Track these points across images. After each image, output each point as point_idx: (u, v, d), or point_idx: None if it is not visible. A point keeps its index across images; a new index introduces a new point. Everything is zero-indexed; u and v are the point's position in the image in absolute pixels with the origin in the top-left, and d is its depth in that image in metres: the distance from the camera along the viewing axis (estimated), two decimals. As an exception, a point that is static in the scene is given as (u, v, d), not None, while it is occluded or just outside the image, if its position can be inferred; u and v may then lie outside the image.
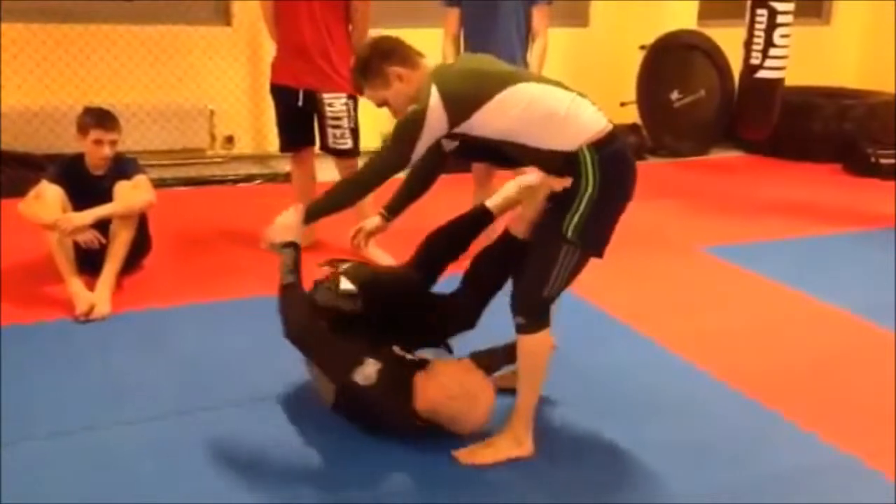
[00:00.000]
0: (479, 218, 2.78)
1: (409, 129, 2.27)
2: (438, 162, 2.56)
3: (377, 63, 2.36)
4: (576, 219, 2.26)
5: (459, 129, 2.29)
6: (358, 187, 2.44)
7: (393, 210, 2.67)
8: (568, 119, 2.29)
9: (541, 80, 2.42)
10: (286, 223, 2.46)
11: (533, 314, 2.33)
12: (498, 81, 2.28)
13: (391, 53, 2.37)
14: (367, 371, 2.35)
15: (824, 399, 2.90)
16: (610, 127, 2.33)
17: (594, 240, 2.34)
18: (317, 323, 2.45)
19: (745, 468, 2.47)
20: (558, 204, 2.31)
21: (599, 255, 2.38)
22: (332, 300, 2.54)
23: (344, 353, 2.41)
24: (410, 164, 2.34)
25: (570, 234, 2.27)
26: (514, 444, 2.41)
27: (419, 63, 2.38)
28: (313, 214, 2.46)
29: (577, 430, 2.63)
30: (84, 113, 3.62)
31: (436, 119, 2.24)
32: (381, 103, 2.42)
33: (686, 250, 4.46)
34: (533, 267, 2.33)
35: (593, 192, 2.26)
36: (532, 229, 2.51)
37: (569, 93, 2.38)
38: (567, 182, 2.30)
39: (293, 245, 2.45)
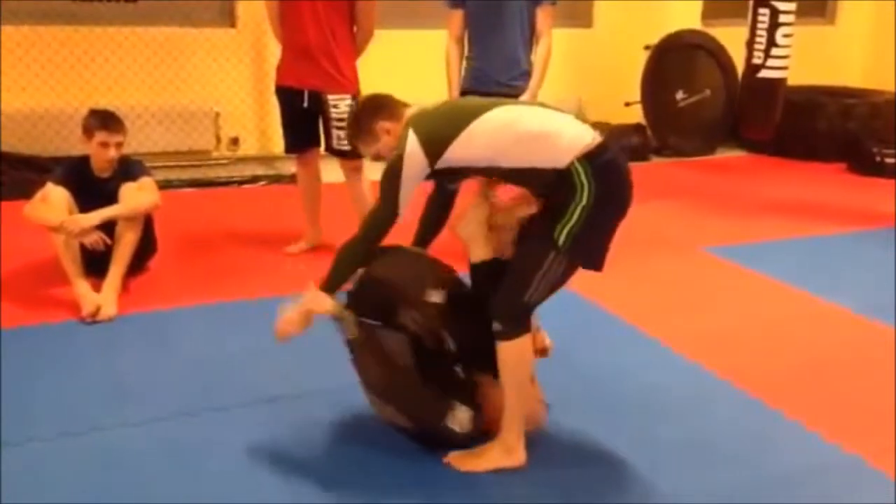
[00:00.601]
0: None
1: (389, 177, 2.33)
2: (446, 202, 2.58)
3: (367, 120, 2.46)
4: (568, 227, 2.24)
5: (441, 166, 2.31)
6: (357, 248, 2.41)
7: None
8: (550, 137, 2.29)
9: (520, 104, 2.49)
10: (290, 318, 2.44)
11: (511, 320, 2.29)
12: (469, 114, 2.33)
13: (380, 109, 2.47)
14: (461, 417, 2.37)
15: (827, 398, 2.90)
16: (600, 139, 2.32)
17: (585, 251, 2.31)
18: (396, 371, 2.40)
19: (749, 468, 2.47)
20: (550, 212, 2.28)
21: (597, 268, 2.36)
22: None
23: (432, 399, 2.39)
24: (400, 211, 2.33)
25: (560, 241, 2.24)
26: (504, 454, 2.38)
27: (403, 114, 2.44)
28: (334, 285, 2.42)
29: (581, 431, 2.63)
30: (89, 115, 3.64)
31: (415, 162, 2.29)
32: (375, 157, 2.51)
33: (690, 250, 4.46)
34: (516, 271, 2.31)
35: (588, 202, 2.24)
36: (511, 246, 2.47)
37: (551, 111, 2.40)
38: (533, 208, 2.36)
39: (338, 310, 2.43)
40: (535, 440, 2.54)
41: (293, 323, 2.42)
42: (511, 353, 2.31)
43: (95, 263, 3.50)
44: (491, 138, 2.29)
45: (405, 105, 2.48)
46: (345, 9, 3.81)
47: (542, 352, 2.62)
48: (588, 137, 2.31)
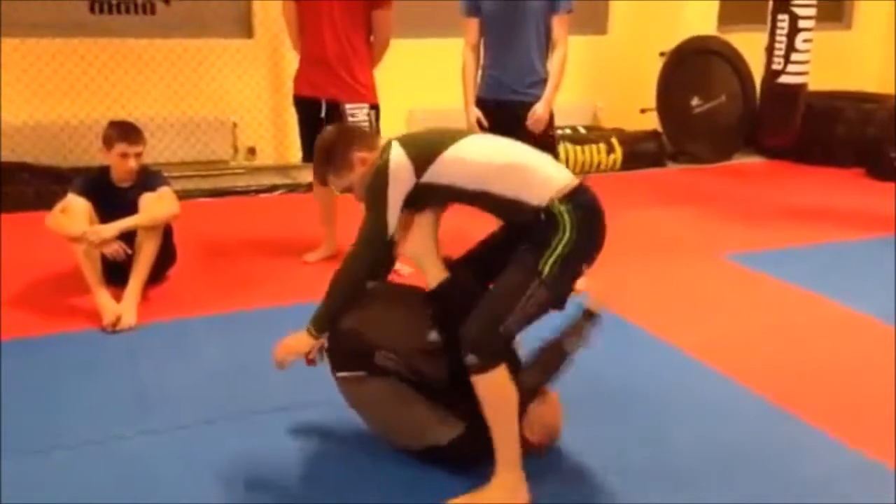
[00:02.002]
0: None
1: (373, 192, 2.26)
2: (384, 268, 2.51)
3: (342, 149, 2.37)
4: (553, 258, 2.20)
5: (427, 179, 2.25)
6: (350, 270, 2.34)
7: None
8: (533, 170, 2.29)
9: (497, 136, 2.49)
10: (292, 345, 2.41)
11: (487, 351, 2.17)
12: (454, 134, 2.35)
13: (355, 138, 2.41)
14: (449, 432, 2.34)
15: (849, 405, 2.88)
16: (577, 181, 2.32)
17: (563, 285, 2.27)
18: (387, 409, 2.38)
19: (773, 475, 2.45)
20: (533, 243, 2.24)
21: (561, 307, 2.32)
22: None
23: (427, 422, 2.36)
24: (390, 224, 2.26)
25: (545, 271, 2.19)
26: (506, 494, 2.25)
27: (378, 144, 2.39)
28: (324, 323, 2.36)
29: (599, 438, 2.63)
30: (109, 126, 3.67)
31: (400, 169, 2.24)
32: (346, 189, 2.42)
33: (709, 257, 4.44)
34: (495, 300, 2.22)
35: (571, 236, 2.22)
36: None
37: (528, 148, 2.41)
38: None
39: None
40: (552, 447, 2.54)
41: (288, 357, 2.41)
42: (489, 387, 2.18)
43: (116, 273, 3.53)
44: (481, 157, 2.27)
45: (378, 135, 2.45)
46: (361, 18, 3.83)
47: None
48: (566, 177, 2.31)
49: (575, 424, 2.61)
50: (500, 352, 2.21)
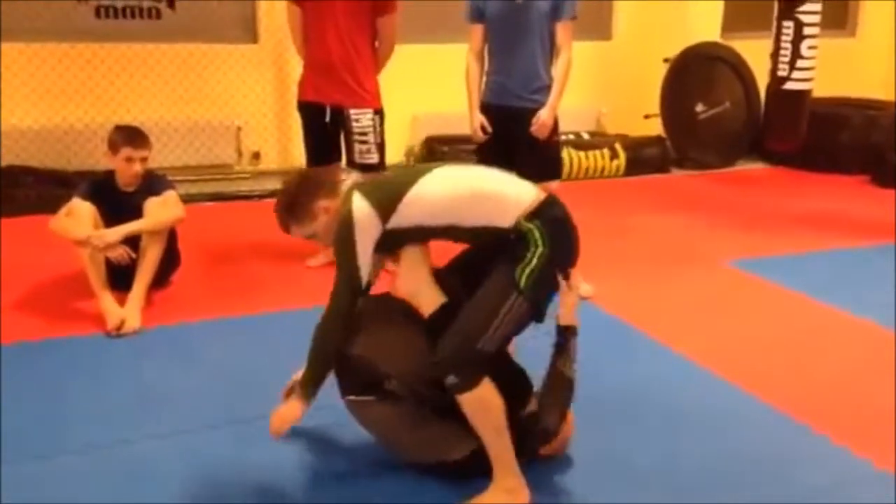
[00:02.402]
0: None
1: (341, 245, 2.24)
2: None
3: (305, 200, 2.33)
4: (529, 269, 2.19)
5: (394, 225, 2.24)
6: (330, 327, 2.31)
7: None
8: (496, 195, 2.29)
9: (461, 164, 2.47)
10: (286, 414, 2.37)
11: (466, 369, 2.16)
12: (415, 172, 2.33)
13: (318, 187, 2.36)
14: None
15: (855, 413, 2.87)
16: (543, 196, 2.33)
17: (541, 297, 2.26)
18: (397, 432, 2.38)
19: (778, 482, 2.45)
20: (507, 258, 2.23)
21: (540, 318, 2.30)
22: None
23: (435, 435, 2.35)
24: (363, 272, 2.24)
25: (522, 282, 2.19)
26: (507, 497, 2.26)
27: (341, 191, 2.35)
28: (312, 387, 2.35)
29: (605, 446, 2.62)
30: (115, 131, 3.68)
31: (365, 218, 2.22)
32: (310, 237, 2.40)
33: (712, 263, 4.44)
34: (471, 317, 2.20)
35: (545, 249, 2.22)
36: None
37: (492, 171, 2.40)
38: None
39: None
40: (559, 455, 2.53)
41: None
42: (474, 404, 2.18)
43: (120, 277, 3.53)
44: (444, 194, 2.27)
45: (341, 180, 2.40)
46: (366, 24, 3.83)
47: None
48: (532, 194, 2.32)
49: (580, 430, 2.60)
50: (480, 369, 2.19)
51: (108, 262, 3.50)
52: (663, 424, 2.77)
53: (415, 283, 2.34)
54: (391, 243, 2.30)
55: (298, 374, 2.48)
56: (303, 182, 2.40)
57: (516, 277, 2.19)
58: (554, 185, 3.84)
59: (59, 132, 5.37)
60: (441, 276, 2.40)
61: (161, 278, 3.73)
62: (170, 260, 3.76)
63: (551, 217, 2.29)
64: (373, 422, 2.39)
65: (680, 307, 3.85)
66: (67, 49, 5.37)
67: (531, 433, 2.36)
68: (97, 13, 5.54)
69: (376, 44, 3.91)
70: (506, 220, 2.25)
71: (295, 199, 2.35)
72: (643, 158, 6.51)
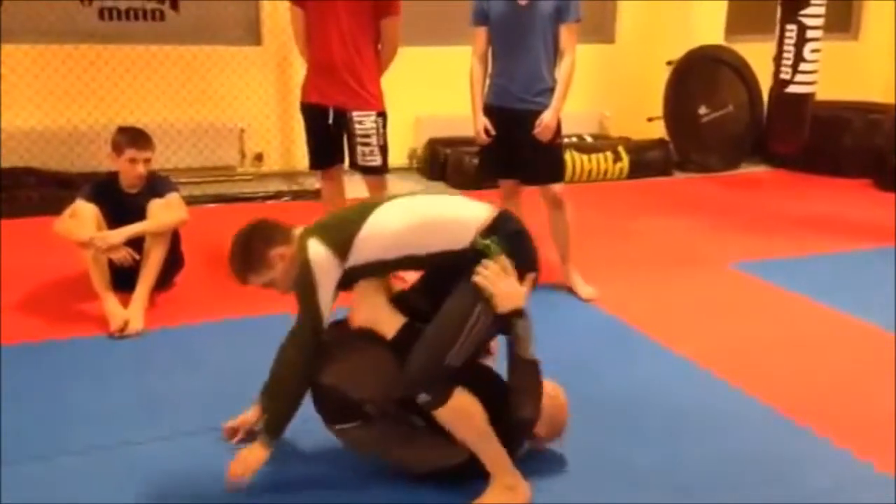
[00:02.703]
0: None
1: (302, 289, 2.24)
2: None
3: (259, 249, 2.31)
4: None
5: (353, 263, 2.25)
6: (292, 370, 2.31)
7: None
8: (448, 219, 2.31)
9: (411, 194, 2.46)
10: (249, 459, 2.33)
11: (436, 386, 2.18)
12: (365, 208, 2.33)
13: (271, 235, 2.34)
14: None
15: (855, 414, 2.87)
16: (497, 212, 2.35)
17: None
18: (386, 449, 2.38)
19: (779, 485, 2.45)
20: (468, 274, 2.23)
21: (507, 329, 2.30)
22: None
23: (427, 448, 2.35)
24: (324, 314, 2.25)
25: (486, 296, 2.20)
26: (508, 495, 2.27)
27: (293, 236, 2.33)
28: (274, 429, 2.32)
29: (606, 448, 2.62)
30: (118, 132, 3.69)
31: (323, 261, 2.22)
32: (267, 285, 2.37)
33: (716, 266, 4.44)
34: (437, 333, 2.21)
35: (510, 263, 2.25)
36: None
37: (443, 197, 2.43)
38: None
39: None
40: (560, 457, 2.54)
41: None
42: (450, 415, 2.20)
43: (124, 279, 3.54)
44: (398, 226, 2.28)
45: (292, 225, 2.38)
46: (370, 26, 3.83)
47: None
48: (484, 212, 2.33)
49: (581, 433, 2.60)
50: (450, 383, 2.19)
51: (112, 264, 3.51)
52: (664, 426, 2.77)
53: (371, 310, 2.35)
54: (350, 280, 2.31)
55: (247, 414, 2.52)
56: (255, 232, 2.36)
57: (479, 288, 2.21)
58: (557, 187, 3.85)
59: (62, 134, 5.39)
60: (406, 297, 2.43)
61: (164, 280, 3.74)
62: (173, 262, 3.77)
63: (507, 231, 2.32)
64: (362, 445, 2.39)
65: (682, 309, 3.85)
66: (71, 50, 5.39)
67: (512, 428, 2.34)
68: (101, 15, 5.56)
69: (379, 46, 3.92)
70: (462, 242, 2.27)
71: (249, 250, 2.32)
72: (646, 161, 6.51)
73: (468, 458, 2.30)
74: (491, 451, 2.27)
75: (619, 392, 2.98)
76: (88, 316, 3.51)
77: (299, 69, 4.33)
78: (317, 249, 2.23)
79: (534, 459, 2.49)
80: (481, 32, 3.81)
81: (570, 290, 3.92)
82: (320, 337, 2.29)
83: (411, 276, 3.60)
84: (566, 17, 3.69)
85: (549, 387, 2.45)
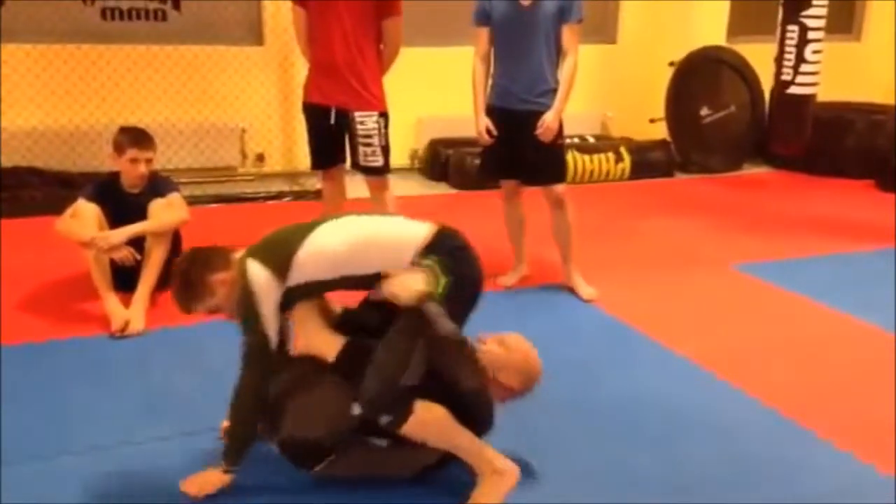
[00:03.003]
0: None
1: (244, 311, 2.24)
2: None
3: (200, 277, 2.30)
4: (436, 297, 2.21)
5: (293, 283, 2.25)
6: (247, 396, 2.29)
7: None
8: (387, 239, 2.32)
9: (350, 214, 2.44)
10: (204, 483, 2.31)
11: (396, 408, 2.20)
12: (304, 228, 2.33)
13: (210, 262, 2.32)
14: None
15: (860, 417, 2.87)
16: (436, 229, 2.35)
17: (454, 322, 2.24)
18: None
19: (783, 488, 2.44)
20: None
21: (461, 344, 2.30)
22: None
23: (408, 456, 2.35)
24: (270, 333, 2.24)
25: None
26: (497, 479, 2.29)
27: (232, 260, 2.32)
28: (235, 455, 2.30)
29: (611, 450, 2.62)
30: (120, 132, 3.69)
31: (263, 282, 2.22)
32: (212, 311, 2.36)
33: (718, 267, 4.43)
34: (388, 357, 2.21)
35: (447, 279, 2.25)
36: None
37: (383, 217, 2.43)
38: None
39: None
40: (562, 459, 2.53)
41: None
42: (416, 429, 2.22)
43: (125, 278, 3.54)
44: (337, 246, 2.28)
45: (231, 249, 2.37)
46: (372, 26, 3.83)
47: None
48: (423, 231, 2.34)
49: (582, 434, 2.60)
50: (409, 401, 2.20)
51: (113, 264, 3.51)
52: (665, 427, 2.76)
53: (309, 335, 2.36)
54: (292, 300, 2.31)
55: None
56: (195, 260, 2.35)
57: (424, 307, 2.19)
58: (559, 188, 3.85)
59: (64, 133, 5.39)
60: (356, 313, 2.45)
61: (165, 280, 3.72)
62: (174, 261, 3.76)
63: (448, 248, 2.33)
64: (343, 472, 2.37)
65: (684, 310, 3.84)
66: (73, 50, 5.39)
67: (469, 406, 2.32)
68: (103, 15, 5.56)
69: (381, 46, 3.91)
70: (402, 261, 2.28)
71: (190, 279, 2.31)
72: (648, 162, 6.51)
73: (446, 456, 2.32)
74: (466, 445, 2.28)
75: (619, 393, 2.97)
76: (89, 316, 3.51)
77: (301, 69, 4.33)
78: (256, 271, 2.23)
79: (534, 460, 2.49)
80: (483, 33, 3.81)
81: (572, 291, 3.91)
82: (271, 358, 2.28)
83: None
84: (569, 17, 3.69)
85: (513, 339, 2.43)
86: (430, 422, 2.23)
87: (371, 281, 2.32)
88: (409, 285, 2.22)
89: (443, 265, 2.26)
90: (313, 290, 2.34)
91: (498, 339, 2.41)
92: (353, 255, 2.30)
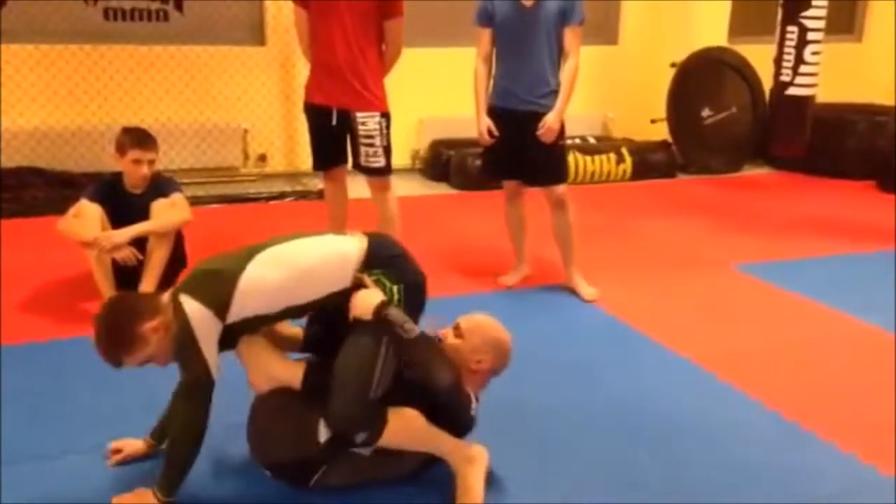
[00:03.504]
0: None
1: (184, 348, 2.17)
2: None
3: (129, 328, 2.17)
4: (392, 304, 2.23)
5: (231, 319, 2.21)
6: (189, 429, 2.22)
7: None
8: (324, 263, 2.30)
9: (286, 238, 2.38)
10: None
11: (368, 423, 2.21)
12: (237, 260, 2.27)
13: (136, 311, 2.20)
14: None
15: (862, 419, 2.87)
16: (366, 241, 2.36)
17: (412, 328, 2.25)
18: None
19: (785, 490, 2.44)
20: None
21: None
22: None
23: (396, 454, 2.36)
24: (212, 369, 2.18)
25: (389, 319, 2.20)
26: (471, 467, 2.30)
27: (161, 304, 2.23)
28: (169, 487, 2.21)
29: (611, 452, 2.62)
30: (123, 133, 3.69)
31: (203, 320, 2.16)
32: (145, 362, 2.25)
33: (719, 268, 4.44)
34: (351, 375, 2.20)
35: (398, 287, 2.30)
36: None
37: (311, 239, 2.38)
38: None
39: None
40: (563, 459, 2.53)
41: None
42: (390, 439, 2.25)
43: (127, 278, 3.54)
44: (274, 280, 2.23)
45: (157, 296, 2.31)
46: (373, 27, 3.84)
47: None
48: (356, 245, 2.34)
49: (582, 434, 2.61)
50: (380, 414, 2.23)
51: (115, 264, 3.51)
52: (667, 428, 2.76)
53: (266, 369, 2.34)
54: (233, 337, 2.28)
55: (137, 444, 2.47)
56: (120, 312, 2.23)
57: (382, 318, 2.20)
58: (560, 189, 3.85)
59: (66, 134, 5.40)
60: (301, 335, 2.46)
61: (168, 280, 3.72)
62: (176, 261, 3.76)
63: (385, 258, 2.35)
64: (337, 482, 2.37)
65: (685, 311, 3.85)
66: (75, 51, 5.40)
67: (447, 403, 2.33)
68: (105, 15, 5.57)
69: (383, 47, 3.92)
70: (343, 282, 2.28)
71: (119, 331, 2.18)
72: (649, 163, 6.51)
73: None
74: (438, 442, 2.31)
75: (620, 394, 2.98)
76: (92, 315, 3.49)
77: (303, 70, 4.33)
78: (192, 307, 2.16)
79: (534, 460, 2.49)
80: (485, 33, 3.81)
81: (573, 291, 3.92)
82: (210, 393, 2.21)
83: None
84: (570, 18, 3.69)
85: (465, 322, 2.43)
86: (402, 430, 2.27)
87: (314, 306, 2.32)
88: (368, 302, 2.22)
89: (387, 276, 2.30)
90: (257, 325, 2.30)
91: (454, 332, 2.42)
92: (294, 286, 2.26)
